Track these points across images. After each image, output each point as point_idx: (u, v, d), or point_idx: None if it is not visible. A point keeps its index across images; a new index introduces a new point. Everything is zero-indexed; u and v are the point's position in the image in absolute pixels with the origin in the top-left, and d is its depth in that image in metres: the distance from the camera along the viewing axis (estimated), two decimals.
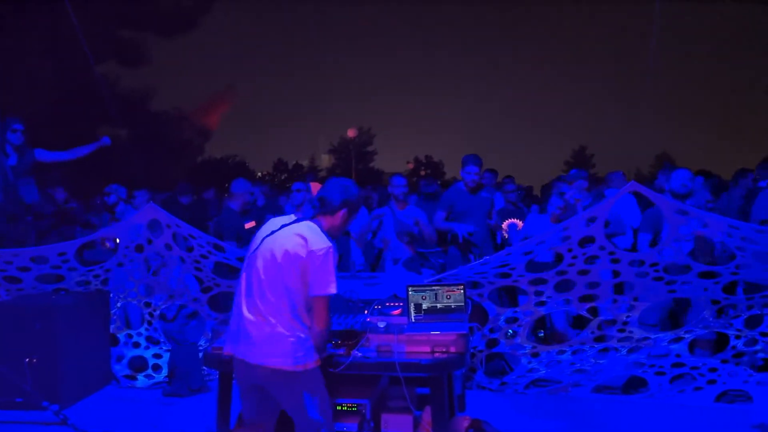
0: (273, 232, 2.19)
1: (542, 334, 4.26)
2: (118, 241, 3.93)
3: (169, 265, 3.90)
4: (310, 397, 2.15)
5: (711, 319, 3.41)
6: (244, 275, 2.23)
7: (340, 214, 2.24)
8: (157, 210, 3.61)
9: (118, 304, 4.14)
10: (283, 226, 2.20)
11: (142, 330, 4.15)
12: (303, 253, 2.11)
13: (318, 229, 2.19)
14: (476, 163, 4.38)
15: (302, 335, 2.13)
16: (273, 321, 2.10)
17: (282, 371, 2.10)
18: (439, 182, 7.07)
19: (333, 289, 2.12)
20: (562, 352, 3.65)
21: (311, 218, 2.24)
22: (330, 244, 2.16)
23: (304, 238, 2.13)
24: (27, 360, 3.43)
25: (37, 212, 4.66)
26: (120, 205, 5.07)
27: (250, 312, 2.15)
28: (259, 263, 2.17)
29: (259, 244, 2.20)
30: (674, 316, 3.67)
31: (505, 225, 4.67)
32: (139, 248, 3.83)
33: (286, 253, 2.12)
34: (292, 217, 2.27)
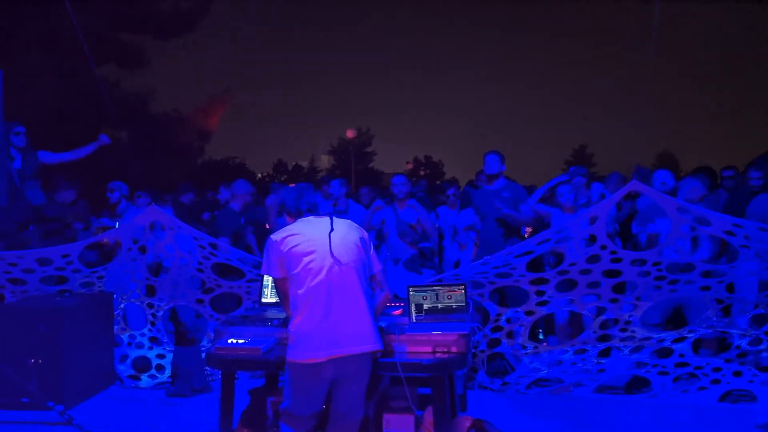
0: (330, 232, 2.31)
1: (541, 335, 4.26)
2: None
3: (171, 264, 3.92)
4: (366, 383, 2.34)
5: (715, 318, 3.41)
6: (315, 278, 2.22)
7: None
8: (159, 212, 3.63)
9: (122, 305, 4.16)
10: (332, 224, 2.35)
11: (145, 331, 4.17)
12: (365, 237, 2.41)
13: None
14: (492, 153, 4.42)
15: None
16: (359, 309, 2.24)
17: (370, 354, 2.27)
18: (425, 182, 7.04)
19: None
20: (565, 351, 3.65)
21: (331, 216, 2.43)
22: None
23: (355, 227, 2.41)
24: (32, 361, 3.46)
25: (42, 215, 4.69)
26: (122, 203, 5.07)
27: (337, 308, 2.22)
28: (331, 260, 2.25)
29: (329, 246, 2.26)
30: (679, 315, 3.66)
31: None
32: (142, 249, 3.85)
33: (357, 242, 2.34)
34: (326, 217, 2.39)
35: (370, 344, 2.25)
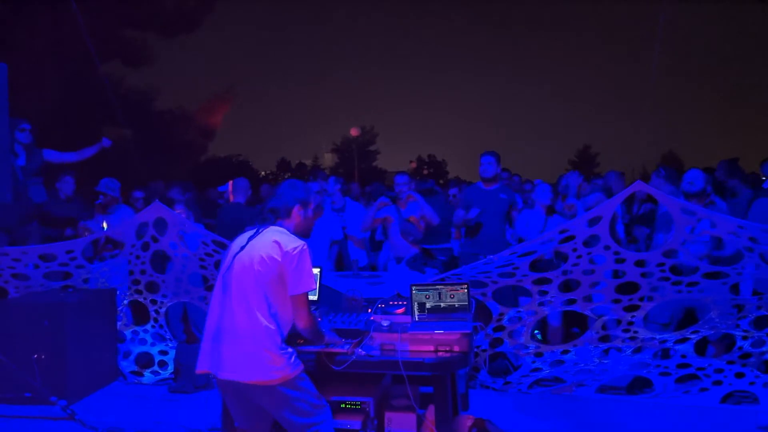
0: (242, 247, 2.17)
1: (539, 335, 4.25)
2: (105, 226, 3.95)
3: (174, 262, 3.93)
4: (292, 405, 2.12)
5: (717, 319, 3.39)
6: (218, 294, 2.18)
7: (294, 211, 2.25)
8: (162, 208, 3.64)
9: (125, 302, 4.18)
10: (250, 238, 2.19)
11: (148, 327, 4.18)
12: (278, 255, 2.10)
13: (287, 231, 2.21)
14: (489, 154, 4.39)
15: (278, 345, 2.08)
16: (250, 335, 2.06)
17: (260, 386, 2.07)
18: (434, 180, 7.11)
19: (312, 285, 2.14)
20: (567, 352, 3.65)
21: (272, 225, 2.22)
22: (303, 242, 2.15)
23: (277, 242, 2.12)
24: (35, 356, 3.48)
25: (44, 212, 4.71)
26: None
27: (226, 328, 2.10)
28: (234, 278, 2.13)
29: (232, 261, 2.15)
30: (689, 315, 3.63)
31: None
32: (146, 246, 3.86)
33: (262, 259, 2.10)
34: (253, 230, 2.23)
35: (250, 375, 2.04)
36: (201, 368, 2.17)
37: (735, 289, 3.40)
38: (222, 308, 2.15)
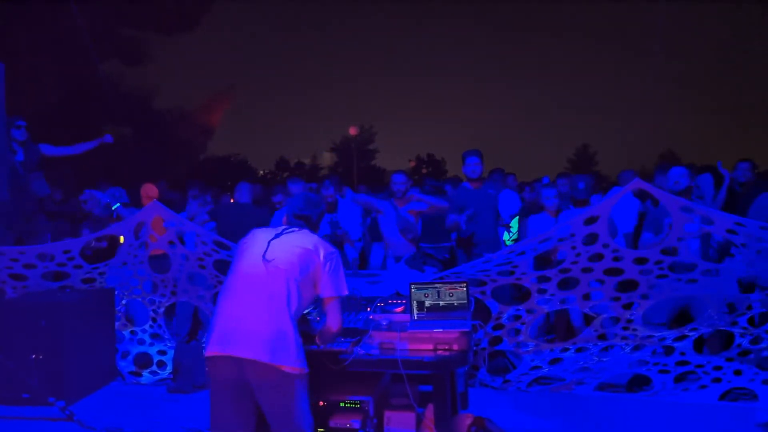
0: (278, 235, 2.23)
1: (552, 337, 4.24)
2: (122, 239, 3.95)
3: (172, 261, 3.92)
4: (298, 403, 2.10)
5: (716, 317, 3.39)
6: (239, 275, 2.17)
7: (318, 226, 2.42)
8: (160, 208, 3.63)
9: (123, 302, 4.17)
10: (279, 234, 2.25)
11: (146, 327, 4.17)
12: (320, 254, 2.20)
13: (319, 237, 2.31)
14: (475, 154, 4.38)
15: (299, 338, 2.11)
16: (277, 319, 2.07)
17: (282, 372, 2.03)
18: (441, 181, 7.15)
19: (346, 289, 2.27)
20: (566, 350, 3.65)
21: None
22: (335, 249, 2.28)
23: (318, 243, 2.24)
24: (33, 357, 3.47)
25: (51, 212, 4.73)
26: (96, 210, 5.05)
27: (249, 309, 2.08)
28: (268, 266, 2.14)
29: (266, 247, 2.18)
30: (685, 314, 3.64)
31: None
32: (145, 245, 3.85)
33: (303, 254, 2.17)
34: (279, 228, 2.30)
35: (266, 355, 2.00)
36: (212, 350, 2.07)
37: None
38: (249, 291, 2.11)
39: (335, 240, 2.85)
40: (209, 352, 2.09)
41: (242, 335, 2.05)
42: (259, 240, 2.25)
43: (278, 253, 2.16)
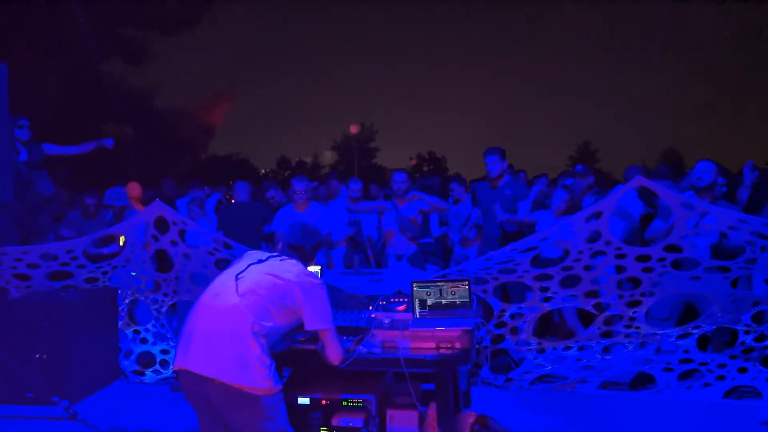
0: (261, 261, 2.22)
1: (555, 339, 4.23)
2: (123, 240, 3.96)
3: (175, 261, 3.92)
4: (265, 422, 2.03)
5: (720, 315, 3.38)
6: (215, 293, 2.14)
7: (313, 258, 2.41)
8: (163, 207, 3.63)
9: (126, 301, 4.18)
10: (271, 256, 2.26)
11: (149, 326, 4.18)
12: (300, 286, 2.14)
13: (305, 267, 2.28)
14: (492, 153, 4.34)
15: (267, 358, 2.05)
16: (240, 339, 2.01)
17: (243, 392, 1.97)
18: (438, 177, 7.12)
19: (330, 323, 2.21)
20: (569, 348, 3.64)
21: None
22: (321, 280, 2.27)
23: (298, 273, 2.19)
24: (37, 356, 3.48)
25: (57, 214, 4.75)
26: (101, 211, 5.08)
27: (213, 326, 2.04)
28: (246, 284, 2.12)
29: (245, 268, 2.18)
30: (689, 310, 3.62)
31: None
32: (147, 245, 3.85)
33: (281, 282, 2.13)
34: (273, 253, 2.30)
35: (225, 374, 1.94)
36: (176, 364, 2.06)
37: (734, 283, 3.38)
38: (215, 309, 2.08)
39: (358, 241, 2.85)
40: (174, 366, 2.10)
41: (203, 352, 2.01)
42: (243, 261, 2.26)
43: (255, 276, 2.15)
